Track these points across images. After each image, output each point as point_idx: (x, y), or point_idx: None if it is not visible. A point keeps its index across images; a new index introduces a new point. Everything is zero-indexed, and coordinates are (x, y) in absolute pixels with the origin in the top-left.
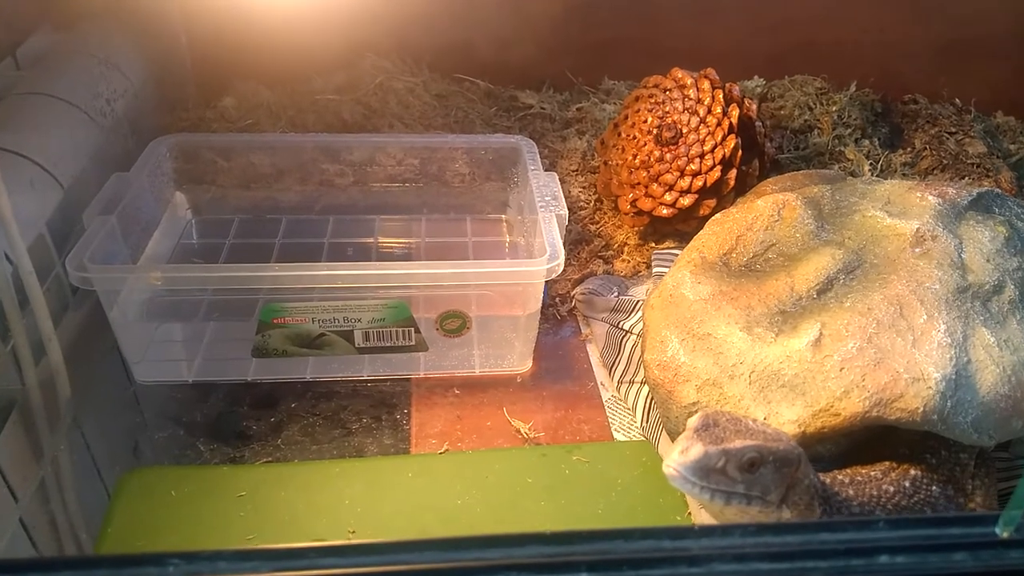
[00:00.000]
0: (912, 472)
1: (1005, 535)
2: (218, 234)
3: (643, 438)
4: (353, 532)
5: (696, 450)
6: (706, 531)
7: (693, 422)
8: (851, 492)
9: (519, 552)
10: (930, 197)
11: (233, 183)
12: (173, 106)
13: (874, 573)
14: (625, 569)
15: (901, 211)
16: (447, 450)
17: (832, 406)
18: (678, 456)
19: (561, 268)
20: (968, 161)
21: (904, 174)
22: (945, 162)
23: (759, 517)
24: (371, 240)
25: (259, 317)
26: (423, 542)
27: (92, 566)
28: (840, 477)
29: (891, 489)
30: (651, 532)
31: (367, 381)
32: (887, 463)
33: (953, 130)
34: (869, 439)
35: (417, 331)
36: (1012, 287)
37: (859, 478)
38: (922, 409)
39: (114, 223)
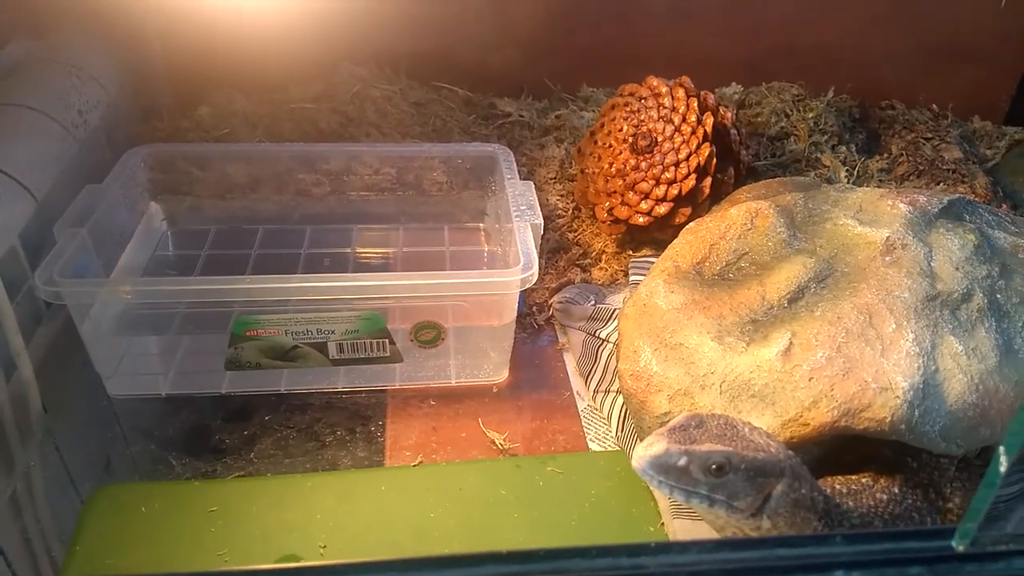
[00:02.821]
0: (898, 477)
1: (961, 548)
2: (194, 245)
3: (618, 448)
4: (324, 547)
5: (658, 447)
6: (663, 548)
7: (676, 419)
8: (851, 504)
9: (476, 572)
10: (901, 205)
11: (209, 193)
12: (148, 116)
13: None
14: None
15: (872, 219)
16: (421, 462)
17: (801, 416)
18: (642, 450)
19: (535, 278)
20: (944, 167)
21: (881, 180)
22: (921, 168)
23: (738, 524)
24: (348, 250)
25: (231, 330)
26: (379, 563)
27: None
28: (838, 487)
29: (884, 497)
30: (608, 550)
31: (342, 393)
32: (872, 469)
33: (929, 135)
34: (843, 444)
35: (392, 342)
36: (981, 295)
37: (854, 487)
38: (890, 419)
39: (85, 236)
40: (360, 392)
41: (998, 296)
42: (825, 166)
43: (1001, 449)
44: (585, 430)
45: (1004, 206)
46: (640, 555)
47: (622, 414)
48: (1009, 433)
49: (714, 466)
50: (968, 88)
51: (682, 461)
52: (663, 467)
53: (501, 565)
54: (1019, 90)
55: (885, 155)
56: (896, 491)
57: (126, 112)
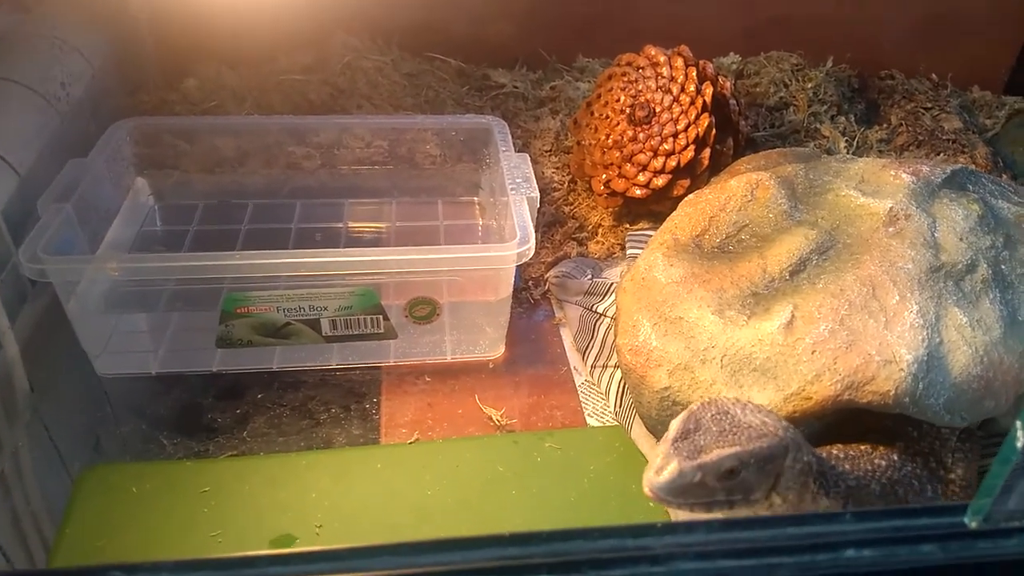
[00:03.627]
0: (898, 445)
1: (974, 525)
2: (182, 220)
3: (616, 423)
4: (320, 527)
5: (671, 469)
6: (669, 528)
7: (674, 427)
8: (847, 467)
9: (477, 555)
10: (904, 175)
11: (197, 167)
12: (134, 89)
13: (841, 567)
14: (586, 570)
15: (875, 190)
16: (417, 439)
17: (804, 390)
18: (653, 476)
19: (532, 252)
20: (944, 137)
21: (880, 151)
22: (921, 138)
23: (751, 509)
24: (340, 225)
25: (222, 307)
26: (377, 548)
27: None
28: (835, 452)
29: (883, 463)
30: (612, 531)
31: (335, 370)
32: (872, 439)
33: (929, 105)
34: (846, 418)
35: (386, 318)
36: (985, 266)
37: (852, 452)
38: (894, 392)
39: (70, 211)
40: (354, 369)
41: (1002, 267)
42: (824, 136)
43: (1018, 424)
44: (583, 405)
45: (1004, 176)
46: (645, 536)
47: (620, 389)
48: None
49: (727, 471)
50: (967, 58)
51: (696, 476)
52: (680, 489)
53: (503, 548)
54: (1018, 60)
55: (884, 125)
56: (895, 458)
57: (111, 85)
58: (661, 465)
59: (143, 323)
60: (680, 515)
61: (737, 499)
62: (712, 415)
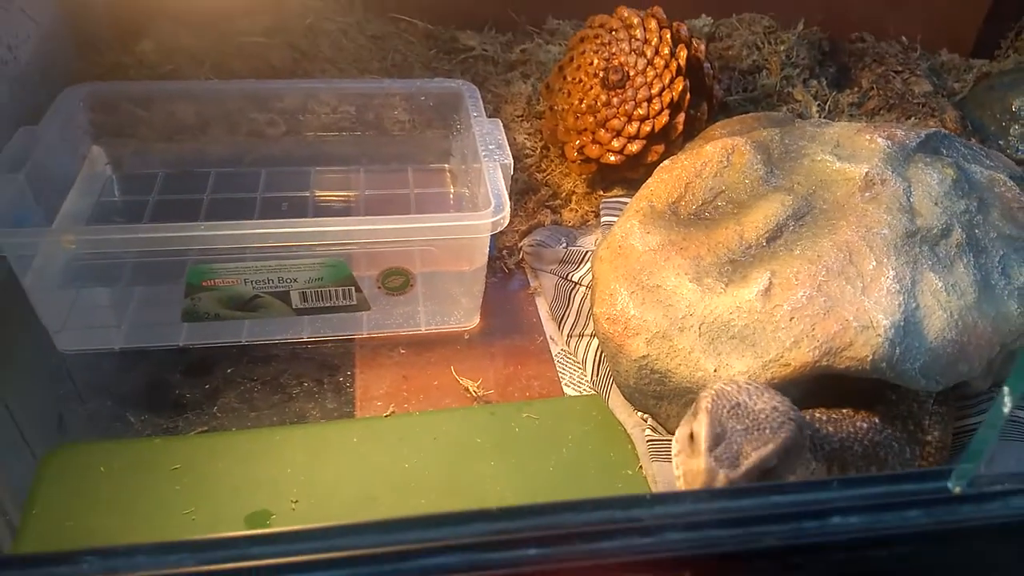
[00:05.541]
0: (878, 409)
1: (958, 490)
2: (142, 190)
3: (593, 392)
4: (296, 502)
5: (720, 483)
6: (658, 499)
7: (702, 434)
8: (830, 429)
9: (463, 531)
10: (879, 139)
11: (155, 135)
12: (86, 51)
13: (828, 535)
14: (575, 543)
15: (850, 154)
16: (393, 412)
17: (782, 357)
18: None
19: (507, 221)
20: (914, 100)
21: (851, 115)
22: (892, 102)
23: None
24: (307, 194)
25: (187, 279)
26: (361, 525)
27: None
28: (818, 415)
29: (864, 426)
30: (601, 503)
31: (307, 343)
32: (852, 401)
33: (899, 69)
34: (825, 383)
35: (358, 290)
36: (959, 230)
37: (835, 416)
38: (871, 357)
39: (23, 181)
40: (327, 342)
41: (976, 231)
42: (797, 100)
43: (1005, 389)
44: (560, 375)
45: (973, 140)
46: (634, 507)
47: (597, 358)
48: (1015, 372)
49: (767, 470)
50: (936, 20)
51: (742, 483)
52: None
53: (490, 523)
54: (985, 22)
55: (855, 89)
56: (876, 421)
57: (61, 47)
58: (708, 482)
59: (105, 297)
60: (661, 486)
61: None
62: (728, 411)
